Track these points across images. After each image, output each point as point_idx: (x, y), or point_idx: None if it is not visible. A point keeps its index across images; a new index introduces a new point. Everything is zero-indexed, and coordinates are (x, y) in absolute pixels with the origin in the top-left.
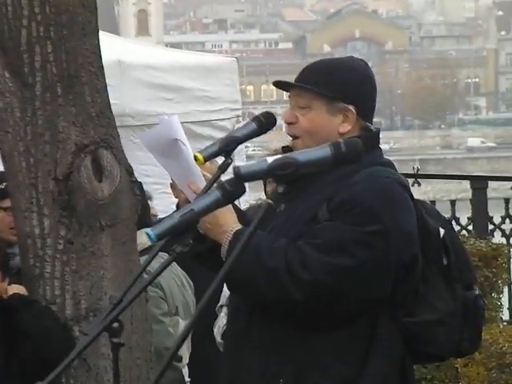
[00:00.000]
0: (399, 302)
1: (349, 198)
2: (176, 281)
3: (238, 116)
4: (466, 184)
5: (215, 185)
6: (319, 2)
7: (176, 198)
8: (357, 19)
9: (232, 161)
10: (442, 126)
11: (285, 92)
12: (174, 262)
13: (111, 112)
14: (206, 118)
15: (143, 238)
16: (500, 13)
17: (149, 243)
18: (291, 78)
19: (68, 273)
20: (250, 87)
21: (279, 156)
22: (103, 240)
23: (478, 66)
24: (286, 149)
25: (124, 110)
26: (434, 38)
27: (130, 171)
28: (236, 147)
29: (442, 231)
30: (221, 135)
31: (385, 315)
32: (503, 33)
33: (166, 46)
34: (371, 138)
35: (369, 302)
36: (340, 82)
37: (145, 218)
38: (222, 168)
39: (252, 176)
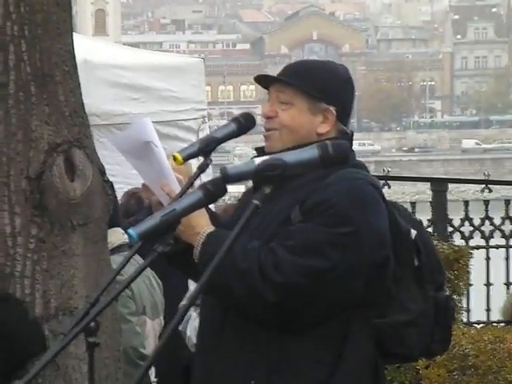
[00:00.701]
0: (371, 303)
1: (322, 199)
2: (145, 280)
3: (203, 116)
4: (421, 186)
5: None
6: (277, 3)
7: (146, 199)
8: (314, 21)
9: (211, 161)
10: (398, 129)
11: (242, 93)
12: (142, 260)
13: (84, 112)
14: (172, 118)
15: (113, 237)
16: (456, 17)
17: (118, 242)
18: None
19: (39, 272)
20: (208, 88)
21: (266, 157)
22: (75, 239)
23: (434, 69)
24: (259, 150)
25: (90, 110)
26: (390, 40)
27: (102, 171)
28: (215, 147)
29: (413, 232)
30: (186, 135)
31: (357, 316)
32: (459, 36)
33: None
34: (348, 141)
35: (341, 304)
36: (323, 83)
37: (115, 217)
38: (201, 168)
39: (239, 177)
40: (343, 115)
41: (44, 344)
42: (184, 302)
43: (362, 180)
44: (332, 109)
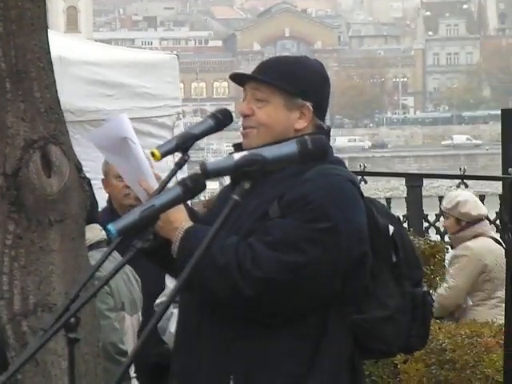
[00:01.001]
0: (349, 299)
1: (300, 195)
2: (123, 276)
3: (178, 113)
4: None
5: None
6: (249, 0)
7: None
8: (286, 18)
9: (189, 157)
10: (371, 125)
11: (215, 90)
12: (120, 256)
13: (60, 108)
14: (146, 114)
15: (90, 233)
16: (428, 13)
17: (96, 239)
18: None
19: (16, 268)
20: (181, 85)
21: (245, 152)
22: (52, 235)
23: (406, 65)
24: (236, 146)
25: (64, 106)
26: (362, 37)
27: (79, 167)
28: (193, 144)
29: (391, 228)
30: (161, 132)
31: (334, 312)
32: (431, 33)
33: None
34: (325, 136)
35: (319, 299)
36: (298, 79)
37: (93, 213)
38: (179, 164)
39: (218, 172)
40: (319, 110)
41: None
42: (160, 300)
43: (340, 176)
44: (308, 104)
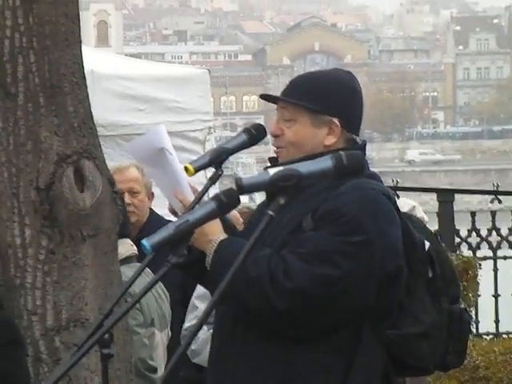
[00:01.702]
0: (383, 313)
1: (334, 208)
2: (152, 292)
3: (209, 127)
4: (425, 196)
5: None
6: (278, 14)
7: None
8: (316, 32)
9: (222, 172)
10: (401, 140)
11: (244, 104)
12: (151, 273)
13: (93, 122)
14: (178, 128)
15: (122, 248)
16: (458, 28)
17: (127, 253)
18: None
19: (49, 283)
20: (211, 98)
21: (280, 168)
22: (85, 250)
23: (436, 79)
24: (272, 159)
25: (96, 121)
26: (392, 51)
27: (111, 181)
28: (226, 158)
29: (427, 244)
30: (192, 146)
31: (368, 327)
32: (461, 47)
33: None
34: (359, 150)
35: (352, 313)
36: (324, 95)
37: (124, 228)
38: (213, 179)
39: (254, 188)
40: (350, 124)
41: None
42: (190, 323)
43: (375, 190)
44: (335, 120)
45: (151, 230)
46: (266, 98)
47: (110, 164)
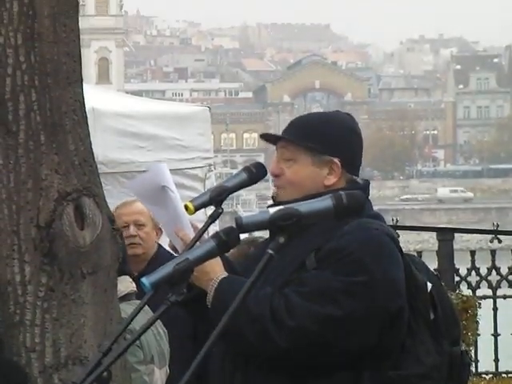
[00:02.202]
0: (384, 354)
1: (337, 247)
2: (152, 329)
3: (209, 165)
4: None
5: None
6: (279, 52)
7: None
8: (316, 70)
9: (223, 210)
10: (401, 178)
11: (245, 141)
12: (150, 310)
13: (94, 160)
14: (179, 166)
15: (121, 285)
16: (458, 67)
17: (127, 291)
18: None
19: (48, 320)
20: (211, 136)
21: (280, 207)
22: (84, 288)
23: (437, 118)
24: (274, 198)
25: (97, 158)
26: (392, 89)
27: (111, 219)
28: (227, 197)
29: (429, 285)
30: (193, 184)
31: (369, 366)
32: (461, 86)
33: (127, 93)
34: (360, 190)
35: (353, 353)
36: (325, 135)
37: (124, 265)
38: (213, 217)
39: (253, 226)
40: (350, 165)
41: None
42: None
43: (379, 230)
44: (336, 160)
45: (159, 264)
46: (266, 137)
47: (111, 201)
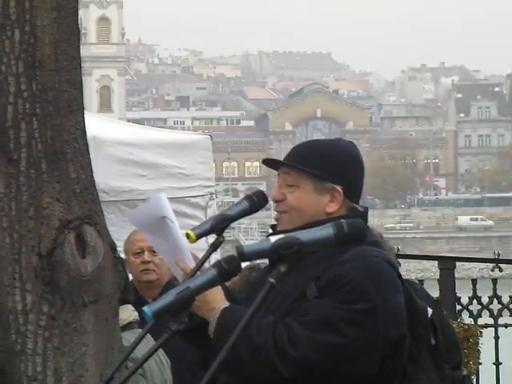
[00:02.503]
0: (386, 381)
1: (338, 276)
2: (154, 358)
3: (211, 193)
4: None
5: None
6: (281, 80)
7: None
8: (318, 98)
9: (224, 239)
10: (402, 206)
11: (246, 169)
12: (152, 339)
13: (95, 188)
14: (180, 194)
15: (123, 314)
16: (459, 95)
17: (129, 319)
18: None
19: (50, 349)
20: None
21: (281, 235)
22: (86, 316)
23: (438, 147)
24: (274, 226)
25: (98, 186)
26: (394, 118)
27: (113, 247)
28: (228, 225)
29: (430, 311)
30: (194, 212)
31: None
32: (462, 115)
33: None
34: (360, 218)
35: (356, 381)
36: (329, 162)
37: (126, 294)
38: (214, 246)
39: (254, 255)
40: (352, 193)
41: None
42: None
43: (378, 257)
44: (339, 188)
45: None
46: (269, 163)
47: (112, 229)
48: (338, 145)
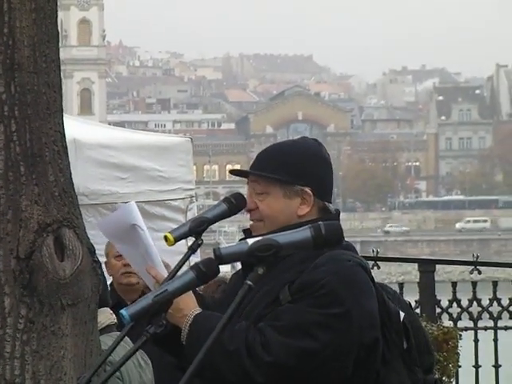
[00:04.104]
0: None
1: (311, 280)
2: (133, 360)
3: (191, 196)
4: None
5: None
6: (262, 83)
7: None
8: (299, 101)
9: (202, 241)
10: (383, 209)
11: (227, 173)
12: (130, 342)
13: (74, 191)
14: (160, 197)
15: (101, 317)
16: (440, 98)
17: (107, 322)
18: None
19: (28, 352)
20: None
21: (259, 238)
22: (64, 320)
23: (419, 149)
24: (246, 231)
25: (78, 189)
26: (375, 121)
27: (91, 250)
28: (207, 228)
29: (402, 314)
30: (174, 215)
31: None
32: (443, 117)
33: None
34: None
35: None
36: (293, 165)
37: (104, 297)
38: (193, 249)
39: (232, 257)
40: (322, 193)
41: None
42: None
43: (351, 261)
44: (307, 189)
45: None
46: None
47: (92, 233)
48: (302, 145)
